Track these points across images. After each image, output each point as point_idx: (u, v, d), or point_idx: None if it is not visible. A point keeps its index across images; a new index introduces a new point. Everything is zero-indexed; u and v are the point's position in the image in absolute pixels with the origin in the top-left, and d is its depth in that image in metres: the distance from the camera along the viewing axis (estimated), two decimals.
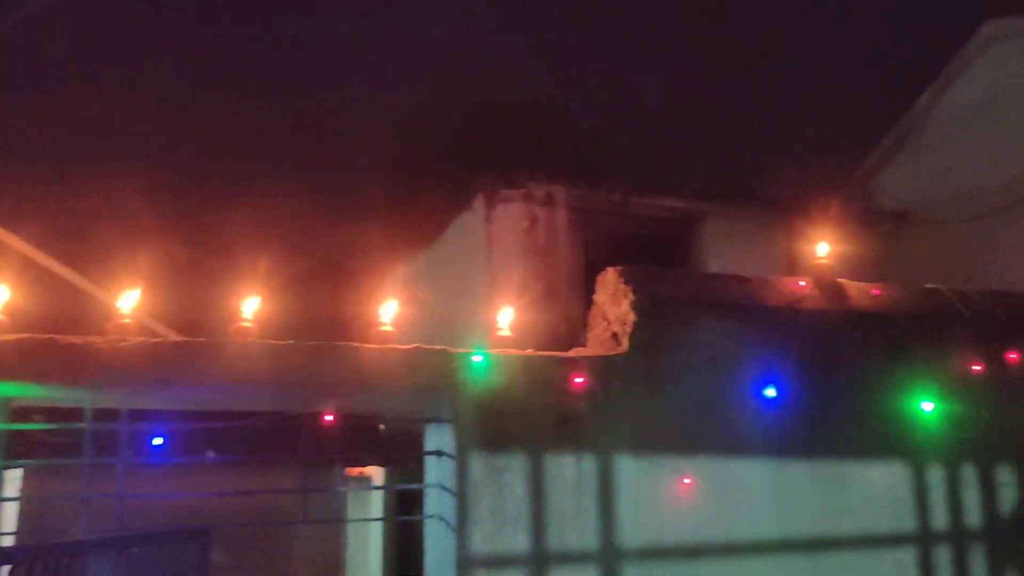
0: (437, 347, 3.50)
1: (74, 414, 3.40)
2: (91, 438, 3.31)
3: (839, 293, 4.12)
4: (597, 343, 3.94)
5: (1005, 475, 4.09)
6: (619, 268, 3.92)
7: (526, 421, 3.54)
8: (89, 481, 3.32)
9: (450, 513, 3.47)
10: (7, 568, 3.03)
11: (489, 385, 3.51)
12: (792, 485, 3.82)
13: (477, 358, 3.49)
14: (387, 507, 7.73)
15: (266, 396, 3.63)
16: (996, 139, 7.77)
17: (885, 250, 8.59)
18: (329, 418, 3.45)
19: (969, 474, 4.05)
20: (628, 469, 3.62)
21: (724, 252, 8.56)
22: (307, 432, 3.59)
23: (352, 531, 8.30)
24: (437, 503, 3.65)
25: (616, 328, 3.83)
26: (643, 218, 8.90)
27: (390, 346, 3.48)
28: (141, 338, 3.22)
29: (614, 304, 3.88)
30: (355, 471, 7.89)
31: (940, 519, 3.97)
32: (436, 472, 3.71)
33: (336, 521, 6.62)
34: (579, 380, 3.61)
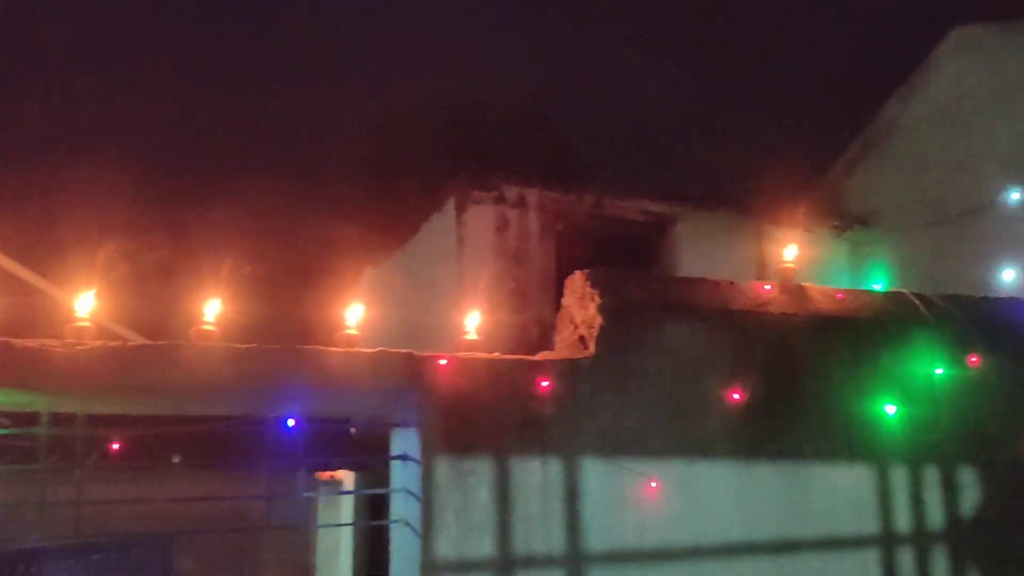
0: (402, 351, 3.48)
1: (31, 418, 3.33)
2: (47, 443, 3.24)
3: (804, 297, 4.15)
4: (564, 346, 3.93)
5: (966, 477, 4.15)
6: (586, 271, 3.92)
7: (492, 425, 3.53)
8: (45, 487, 3.25)
9: (415, 518, 3.45)
10: None
11: (455, 389, 3.49)
12: (757, 488, 3.84)
13: (443, 362, 3.48)
14: (357, 511, 7.67)
15: (229, 400, 3.58)
16: (960, 146, 7.89)
17: (853, 254, 8.70)
18: (292, 422, 3.41)
19: (931, 476, 4.10)
20: (594, 473, 3.61)
21: (696, 255, 8.61)
22: (271, 436, 3.55)
23: (322, 535, 8.23)
24: (402, 508, 3.63)
25: (583, 331, 3.83)
26: (616, 221, 8.93)
27: (355, 349, 3.45)
28: (99, 342, 3.16)
29: (581, 307, 3.88)
30: (325, 475, 7.84)
31: (903, 521, 4.01)
32: (402, 477, 3.69)
33: (300, 527, 6.56)
34: (545, 383, 3.60)
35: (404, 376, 3.45)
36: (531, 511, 3.51)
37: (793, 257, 4.31)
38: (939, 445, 4.11)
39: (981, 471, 4.17)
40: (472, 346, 3.72)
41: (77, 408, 3.29)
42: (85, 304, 3.27)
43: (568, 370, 3.68)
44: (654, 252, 9.02)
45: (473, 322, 3.80)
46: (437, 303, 7.75)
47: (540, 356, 3.74)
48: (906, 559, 3.99)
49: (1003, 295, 4.88)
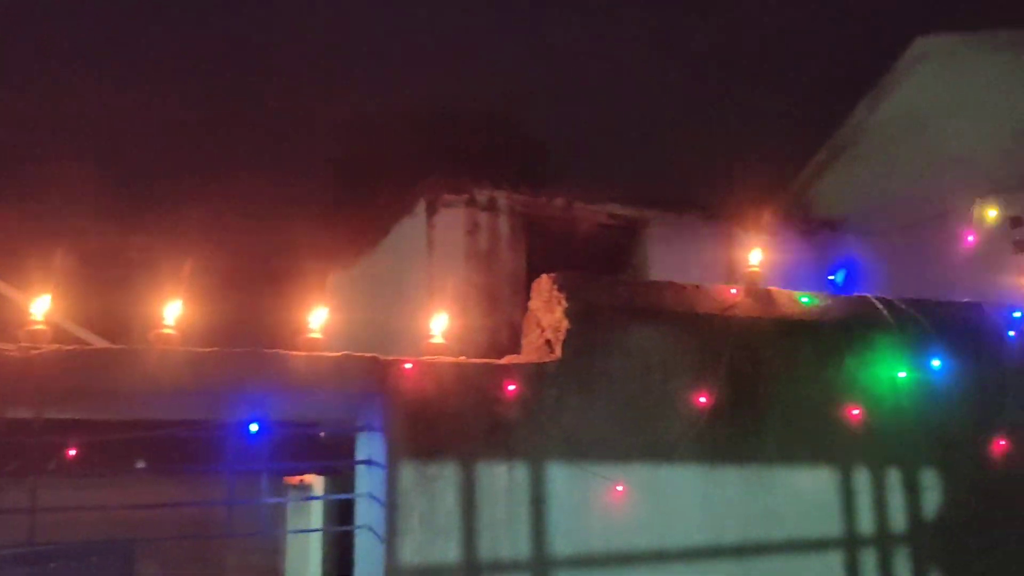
0: (367, 354, 3.45)
1: None
2: (1, 450, 3.17)
3: (769, 300, 4.17)
4: (531, 350, 3.92)
5: (928, 479, 4.19)
6: (553, 275, 3.91)
7: (458, 429, 3.51)
8: None
9: (380, 523, 3.41)
10: None
11: (421, 393, 3.46)
12: (722, 491, 3.85)
13: (408, 366, 3.45)
14: (327, 517, 7.59)
15: (190, 404, 3.53)
16: (925, 152, 8.00)
17: (820, 259, 8.78)
18: (255, 427, 3.36)
19: (894, 478, 4.14)
20: (560, 477, 3.60)
21: (666, 258, 8.66)
22: (234, 441, 3.50)
23: (292, 541, 8.15)
24: (367, 513, 3.59)
25: (550, 335, 3.82)
26: (587, 224, 8.96)
27: (318, 353, 3.41)
28: (54, 345, 3.09)
29: (548, 311, 3.87)
30: (294, 480, 7.76)
31: (866, 523, 4.05)
32: (366, 481, 3.65)
33: (264, 532, 6.47)
34: (512, 388, 3.59)
35: (369, 380, 3.41)
36: (497, 516, 3.49)
37: (759, 261, 4.33)
38: (902, 448, 4.15)
39: (943, 473, 4.21)
40: (438, 350, 3.70)
41: (32, 413, 3.21)
42: (40, 307, 3.20)
43: (534, 374, 3.66)
44: (625, 255, 9.05)
45: (439, 325, 3.77)
46: (407, 306, 7.72)
47: (506, 360, 3.73)
48: (869, 561, 4.02)
49: (966, 299, 4.94)
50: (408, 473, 3.39)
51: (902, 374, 4.21)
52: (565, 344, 3.73)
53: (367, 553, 3.58)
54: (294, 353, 3.37)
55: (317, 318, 3.56)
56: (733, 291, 4.16)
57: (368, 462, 3.60)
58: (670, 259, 8.51)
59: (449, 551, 3.38)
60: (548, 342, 3.83)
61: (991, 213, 7.35)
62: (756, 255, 4.35)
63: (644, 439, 3.77)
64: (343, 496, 4.02)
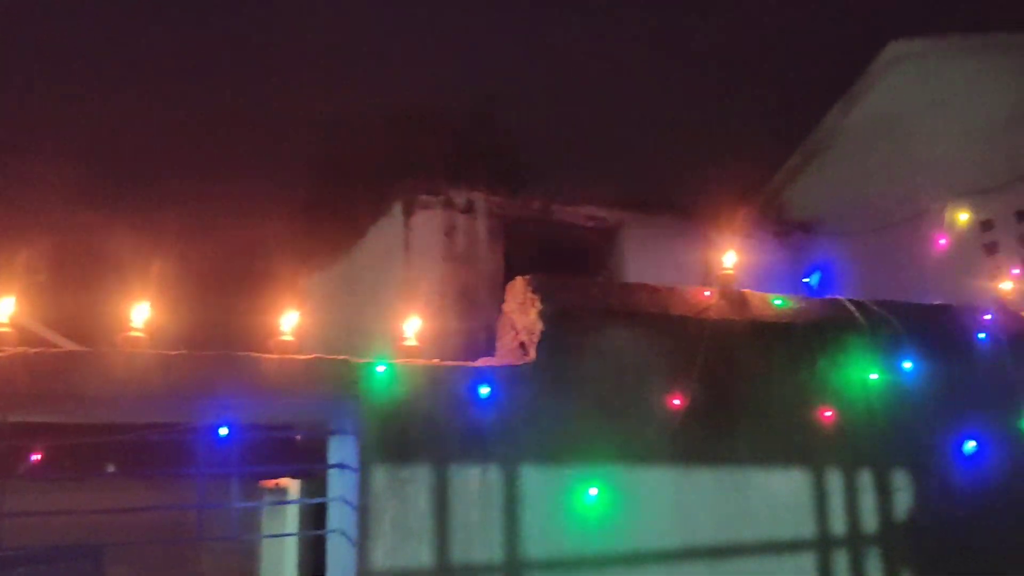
0: (339, 357, 3.42)
1: None
2: None
3: (743, 303, 4.19)
4: (506, 352, 3.91)
5: (900, 480, 4.22)
6: (527, 277, 3.91)
7: (431, 432, 3.49)
8: None
9: (351, 527, 3.38)
10: None
11: (393, 396, 3.44)
12: (696, 493, 3.85)
13: (381, 368, 3.43)
14: (302, 520, 7.54)
15: (159, 408, 3.48)
16: (898, 155, 8.09)
17: (794, 261, 8.85)
18: (224, 431, 3.33)
19: (866, 480, 4.17)
20: (534, 480, 3.59)
21: (643, 260, 8.70)
22: (204, 445, 3.46)
23: (267, 544, 8.07)
24: (339, 517, 3.56)
25: (524, 337, 3.82)
26: (564, 226, 8.98)
27: (289, 356, 3.38)
28: (20, 348, 3.04)
29: (522, 313, 3.87)
30: (270, 483, 7.70)
31: (838, 524, 4.07)
32: (339, 485, 3.62)
33: (236, 537, 6.41)
34: (485, 390, 3.57)
35: (341, 383, 3.39)
36: (470, 519, 3.47)
37: (733, 263, 4.35)
38: (874, 449, 4.19)
39: (914, 474, 4.25)
40: (412, 352, 3.68)
41: None
42: (5, 308, 3.14)
43: (508, 376, 3.65)
44: (602, 257, 9.08)
45: (413, 328, 3.75)
46: (384, 308, 7.69)
47: (480, 362, 3.71)
48: (841, 561, 4.04)
49: (937, 301, 4.98)
50: (380, 476, 3.37)
51: (874, 376, 4.25)
52: (539, 346, 3.73)
53: (339, 557, 3.55)
54: (265, 356, 3.34)
55: (289, 320, 3.53)
56: (707, 293, 4.17)
57: (340, 465, 3.57)
58: (647, 261, 8.56)
59: (421, 554, 3.36)
60: (522, 344, 3.82)
61: (962, 216, 7.45)
62: (730, 257, 4.37)
63: (618, 441, 3.77)
64: (315, 500, 3.98)
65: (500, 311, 4.12)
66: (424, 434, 3.47)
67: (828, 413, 4.11)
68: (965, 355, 4.53)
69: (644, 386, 3.85)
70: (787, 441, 4.06)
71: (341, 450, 3.65)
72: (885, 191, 8.06)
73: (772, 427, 4.05)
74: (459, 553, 3.43)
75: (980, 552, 4.28)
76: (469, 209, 8.44)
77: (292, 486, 7.49)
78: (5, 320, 3.12)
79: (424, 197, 8.22)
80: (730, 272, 4.32)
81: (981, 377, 4.52)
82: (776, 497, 4.00)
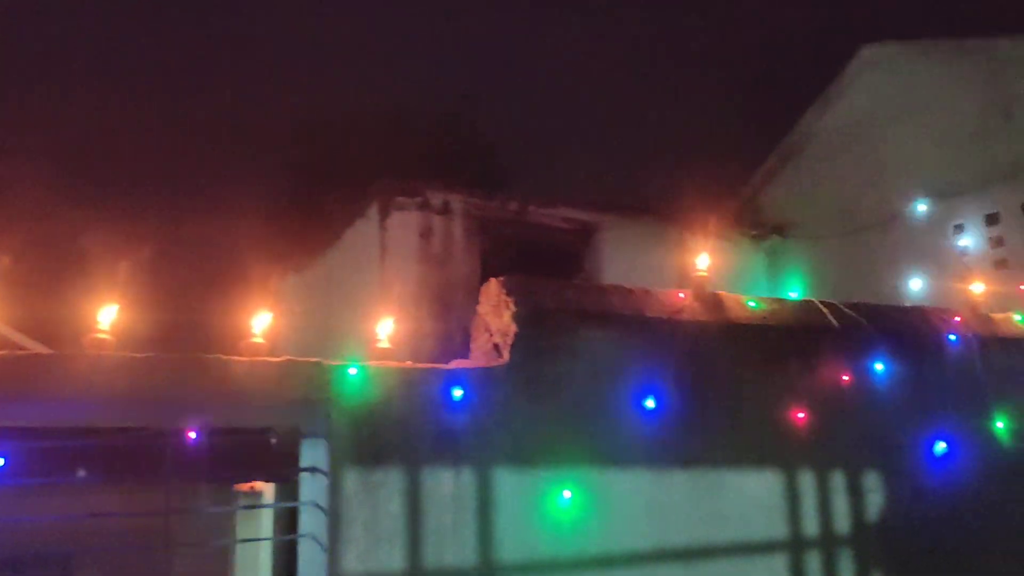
0: (311, 359, 3.39)
1: None
2: None
3: (717, 305, 4.20)
4: (479, 354, 3.90)
5: (871, 482, 4.25)
6: (501, 279, 3.89)
7: (404, 435, 3.46)
8: None
9: (323, 532, 3.35)
10: None
11: (366, 399, 3.41)
12: (670, 495, 3.85)
13: (352, 371, 3.39)
14: (276, 525, 7.45)
15: (127, 411, 3.42)
16: (871, 158, 8.16)
17: (770, 263, 8.90)
18: (193, 435, 3.28)
19: (838, 481, 4.19)
20: (507, 482, 3.58)
21: (620, 262, 8.72)
22: (173, 449, 3.41)
23: (241, 549, 7.99)
24: (310, 521, 3.52)
25: (498, 339, 3.80)
26: (541, 227, 8.98)
27: (260, 359, 3.35)
28: None
29: (496, 315, 3.85)
30: (245, 487, 7.61)
31: (811, 525, 4.09)
32: (310, 489, 3.58)
33: (203, 543, 6.32)
34: (459, 393, 3.55)
35: (312, 386, 3.35)
36: (443, 522, 3.45)
37: (707, 265, 4.36)
38: (846, 451, 4.21)
39: (885, 476, 4.28)
40: (385, 354, 3.65)
41: None
42: None
43: (482, 379, 3.64)
44: (579, 259, 9.08)
45: (386, 330, 3.73)
46: (359, 310, 7.64)
47: (453, 364, 3.69)
48: (813, 562, 4.06)
49: (910, 303, 5.03)
50: (351, 480, 3.34)
51: (846, 378, 4.27)
52: (513, 348, 3.71)
53: (310, 562, 3.51)
54: (235, 359, 3.30)
55: (260, 323, 3.49)
56: (681, 295, 4.18)
57: (311, 469, 3.53)
58: (624, 263, 8.57)
59: (393, 559, 3.33)
60: (496, 346, 3.81)
61: (935, 219, 7.53)
62: (704, 259, 4.38)
63: (592, 443, 3.76)
64: (285, 504, 3.94)
65: (476, 313, 4.10)
66: (396, 437, 3.44)
67: (801, 415, 4.12)
68: (936, 357, 4.57)
69: (618, 388, 3.85)
70: (760, 443, 4.07)
71: (313, 454, 3.61)
72: (858, 194, 8.13)
73: (745, 429, 4.06)
74: (432, 557, 3.40)
75: (951, 552, 4.32)
76: (445, 210, 8.42)
77: (267, 490, 7.42)
78: None
79: (400, 198, 8.18)
80: (704, 274, 4.33)
81: (952, 379, 4.56)
82: (749, 498, 4.01)
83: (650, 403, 3.85)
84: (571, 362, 3.79)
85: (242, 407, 3.45)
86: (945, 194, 7.53)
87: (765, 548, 3.99)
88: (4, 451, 3.35)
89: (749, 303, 4.33)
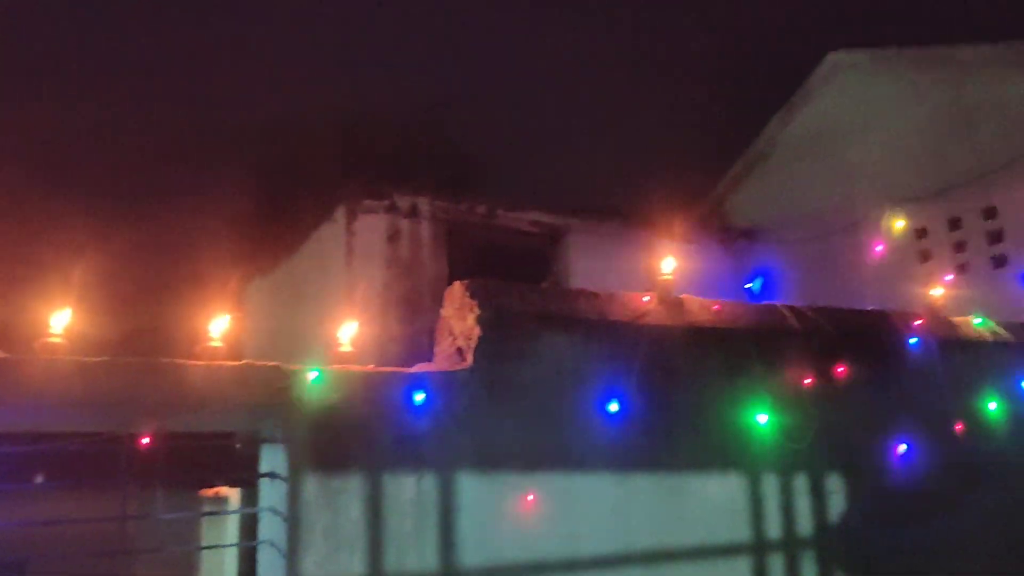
0: (269, 363, 3.34)
1: None
2: None
3: (681, 309, 4.21)
4: (443, 358, 3.86)
5: (833, 484, 4.28)
6: (465, 282, 3.87)
7: (364, 440, 3.42)
8: None
9: (282, 538, 3.30)
10: None
11: (326, 403, 3.37)
12: (634, 498, 3.85)
13: (312, 375, 3.35)
14: (242, 530, 7.34)
15: (81, 416, 3.35)
16: (836, 164, 8.25)
17: (737, 267, 8.96)
18: (147, 439, 3.21)
19: (800, 483, 4.21)
20: (470, 487, 3.55)
21: (587, 266, 8.73)
22: (129, 454, 3.34)
23: (206, 555, 7.87)
24: (269, 528, 3.47)
25: (461, 343, 3.77)
26: (509, 231, 8.96)
27: (218, 363, 3.29)
28: None
29: (460, 318, 3.82)
30: (209, 492, 7.50)
31: (773, 528, 4.11)
32: (270, 495, 3.52)
33: (161, 550, 6.21)
34: (421, 397, 3.52)
35: (271, 390, 3.30)
36: (404, 528, 3.41)
37: (671, 269, 4.36)
38: (807, 453, 4.23)
39: (846, 478, 4.31)
40: (346, 358, 3.61)
41: None
42: None
43: (445, 382, 3.61)
44: (547, 262, 9.08)
45: (348, 333, 3.68)
46: (326, 314, 7.57)
47: (416, 368, 3.66)
48: (776, 564, 4.08)
49: (873, 307, 5.08)
50: (311, 485, 3.29)
51: (808, 380, 4.29)
52: (477, 352, 3.69)
53: (270, 568, 3.46)
54: (191, 363, 3.24)
55: (218, 326, 3.44)
56: (645, 299, 4.18)
57: (271, 475, 3.47)
58: (592, 266, 8.58)
59: (353, 565, 3.29)
60: (460, 350, 3.78)
61: (898, 224, 7.63)
62: (669, 263, 4.38)
63: (556, 447, 3.75)
64: (243, 510, 3.88)
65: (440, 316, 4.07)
66: (357, 442, 3.40)
67: (763, 418, 4.14)
68: (897, 360, 4.62)
69: (582, 392, 3.84)
70: (724, 446, 4.09)
71: (272, 459, 3.55)
72: (824, 199, 8.21)
73: (709, 432, 4.07)
74: (393, 563, 3.37)
75: (913, 553, 4.36)
76: (413, 214, 8.37)
77: (232, 495, 7.31)
78: None
79: (367, 201, 8.12)
80: (669, 278, 4.34)
81: (913, 381, 4.61)
82: (713, 501, 4.02)
83: (614, 407, 3.85)
84: (535, 366, 3.78)
85: (199, 411, 3.38)
86: (908, 199, 7.63)
87: (728, 551, 4.00)
88: None
89: (714, 307, 4.33)
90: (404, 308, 8.00)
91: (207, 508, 7.12)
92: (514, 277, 4.39)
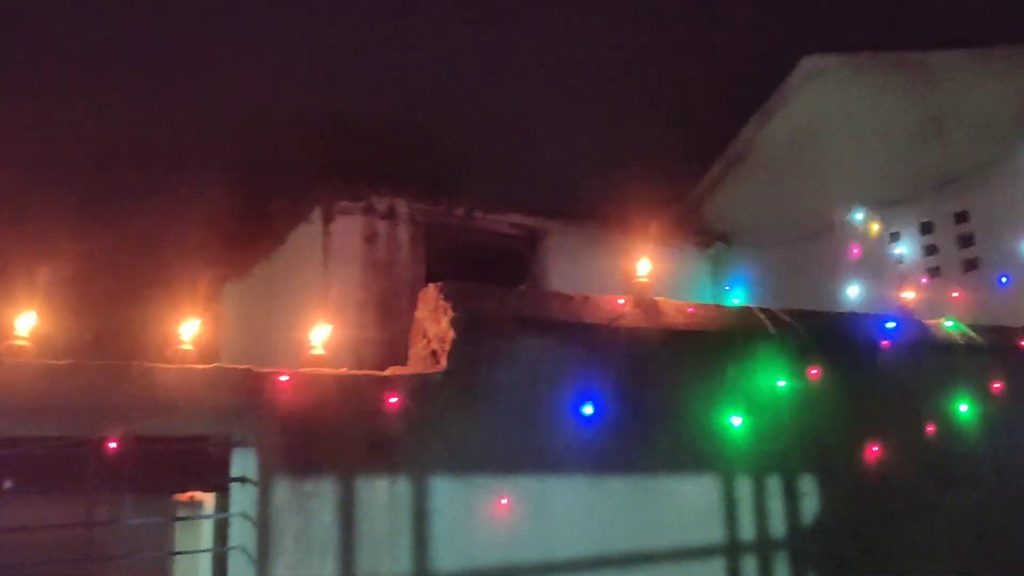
0: (240, 367, 3.30)
1: None
2: None
3: (656, 311, 4.21)
4: (417, 361, 3.84)
5: (806, 486, 4.30)
6: (439, 284, 3.85)
7: (337, 444, 3.39)
8: None
9: (253, 543, 3.26)
10: None
11: (297, 407, 3.34)
12: (609, 501, 3.85)
13: (284, 378, 3.31)
14: (216, 535, 7.26)
15: (48, 420, 3.29)
16: (811, 168, 8.31)
17: (713, 270, 9.00)
18: (114, 444, 3.16)
19: (774, 485, 4.23)
20: (444, 490, 3.53)
21: (565, 269, 8.73)
22: (96, 459, 3.28)
23: (179, 561, 7.78)
24: (240, 533, 3.43)
25: (435, 346, 3.75)
26: (487, 233, 8.94)
27: (188, 366, 3.25)
28: None
29: (434, 321, 3.80)
30: (184, 497, 7.42)
31: (747, 529, 4.12)
32: (240, 499, 3.48)
33: (131, 555, 6.13)
34: (394, 400, 3.49)
35: (241, 393, 3.27)
36: (377, 532, 3.38)
37: (647, 272, 4.37)
38: (781, 455, 4.25)
39: (820, 479, 4.34)
40: (318, 361, 3.57)
41: None
42: None
43: (419, 386, 3.58)
44: (525, 265, 9.07)
45: (320, 336, 3.65)
46: (302, 316, 7.51)
47: (389, 371, 3.63)
48: (750, 566, 4.09)
49: (847, 310, 5.12)
50: (282, 490, 3.26)
51: (782, 383, 4.32)
52: (451, 355, 3.67)
53: (240, 574, 3.41)
54: (160, 366, 3.20)
55: (188, 329, 3.40)
56: (621, 302, 4.18)
57: (241, 479, 3.43)
58: (570, 269, 8.58)
59: (325, 570, 3.26)
60: (434, 353, 3.76)
61: (873, 227, 7.69)
62: (644, 266, 4.39)
63: (530, 450, 3.74)
64: (214, 515, 3.83)
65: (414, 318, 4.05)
66: (329, 445, 3.37)
67: (737, 420, 4.15)
68: (870, 362, 4.66)
69: (557, 394, 3.83)
70: (698, 448, 4.09)
71: (244, 463, 3.51)
72: (799, 203, 8.26)
73: (684, 434, 4.08)
74: (366, 567, 3.34)
75: (886, 554, 4.39)
76: (390, 215, 8.33)
77: (207, 499, 7.23)
78: None
79: (344, 203, 8.07)
80: (644, 280, 4.34)
81: (885, 383, 4.65)
82: (687, 503, 4.02)
83: (588, 409, 3.84)
84: (509, 368, 3.76)
85: (170, 415, 3.33)
86: (882, 203, 7.70)
87: (703, 553, 4.01)
88: None
89: (688, 309, 4.34)
90: (381, 310, 7.96)
91: (181, 513, 7.03)
92: (492, 279, 4.38)
